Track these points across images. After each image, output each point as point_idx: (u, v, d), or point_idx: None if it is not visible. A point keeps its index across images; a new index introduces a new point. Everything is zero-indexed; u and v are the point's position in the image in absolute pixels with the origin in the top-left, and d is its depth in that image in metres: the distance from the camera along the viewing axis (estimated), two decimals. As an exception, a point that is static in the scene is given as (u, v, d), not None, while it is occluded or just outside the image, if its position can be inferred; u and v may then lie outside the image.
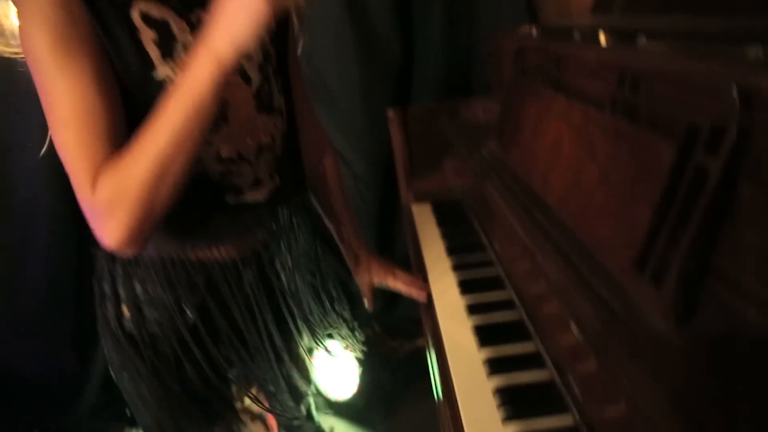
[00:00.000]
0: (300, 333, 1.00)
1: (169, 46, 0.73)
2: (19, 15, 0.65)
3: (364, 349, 1.17)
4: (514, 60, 1.21)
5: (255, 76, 0.83)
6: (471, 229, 1.29)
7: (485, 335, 0.93)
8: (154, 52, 0.72)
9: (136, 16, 0.71)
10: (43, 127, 0.68)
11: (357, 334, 1.15)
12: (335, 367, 1.75)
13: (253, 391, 0.96)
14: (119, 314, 0.83)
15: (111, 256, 0.83)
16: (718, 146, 0.54)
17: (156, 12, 0.73)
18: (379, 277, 1.17)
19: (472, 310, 1.01)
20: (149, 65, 0.71)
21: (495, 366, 0.85)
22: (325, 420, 1.67)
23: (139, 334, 0.82)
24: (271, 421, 1.06)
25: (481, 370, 0.86)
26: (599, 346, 0.63)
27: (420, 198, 1.54)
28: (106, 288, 0.83)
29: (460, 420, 0.77)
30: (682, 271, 0.58)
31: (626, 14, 1.43)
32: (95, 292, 0.85)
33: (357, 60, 1.59)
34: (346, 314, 1.10)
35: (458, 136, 1.48)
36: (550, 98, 0.97)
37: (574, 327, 0.69)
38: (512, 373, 0.84)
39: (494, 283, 1.06)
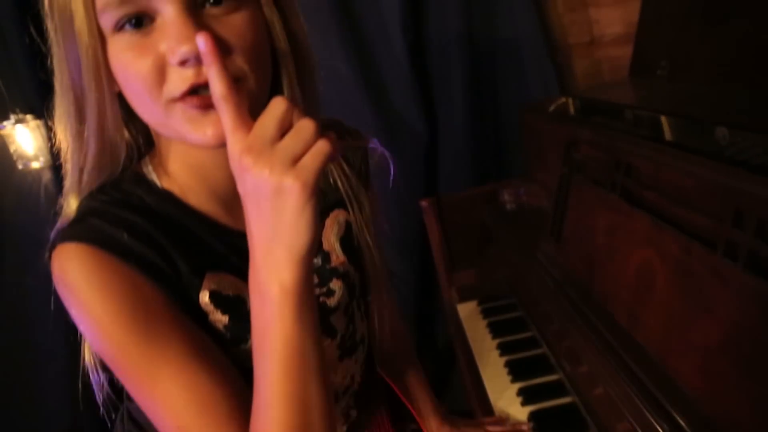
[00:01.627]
0: None
1: (242, 330, 0.60)
2: (80, 317, 0.53)
3: None
4: (565, 152, 1.08)
5: (341, 324, 0.71)
6: (531, 338, 1.15)
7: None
8: (223, 339, 0.59)
9: (205, 298, 0.59)
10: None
11: None
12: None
13: None
14: None
15: None
16: None
17: (230, 288, 0.61)
18: None
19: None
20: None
21: None
22: None
23: None
24: None
25: None
26: None
27: (465, 296, 1.40)
28: None
29: None
30: None
31: (674, 81, 1.31)
32: None
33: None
34: None
35: (503, 228, 1.35)
36: (627, 213, 0.83)
37: None
38: None
39: (570, 415, 0.91)
